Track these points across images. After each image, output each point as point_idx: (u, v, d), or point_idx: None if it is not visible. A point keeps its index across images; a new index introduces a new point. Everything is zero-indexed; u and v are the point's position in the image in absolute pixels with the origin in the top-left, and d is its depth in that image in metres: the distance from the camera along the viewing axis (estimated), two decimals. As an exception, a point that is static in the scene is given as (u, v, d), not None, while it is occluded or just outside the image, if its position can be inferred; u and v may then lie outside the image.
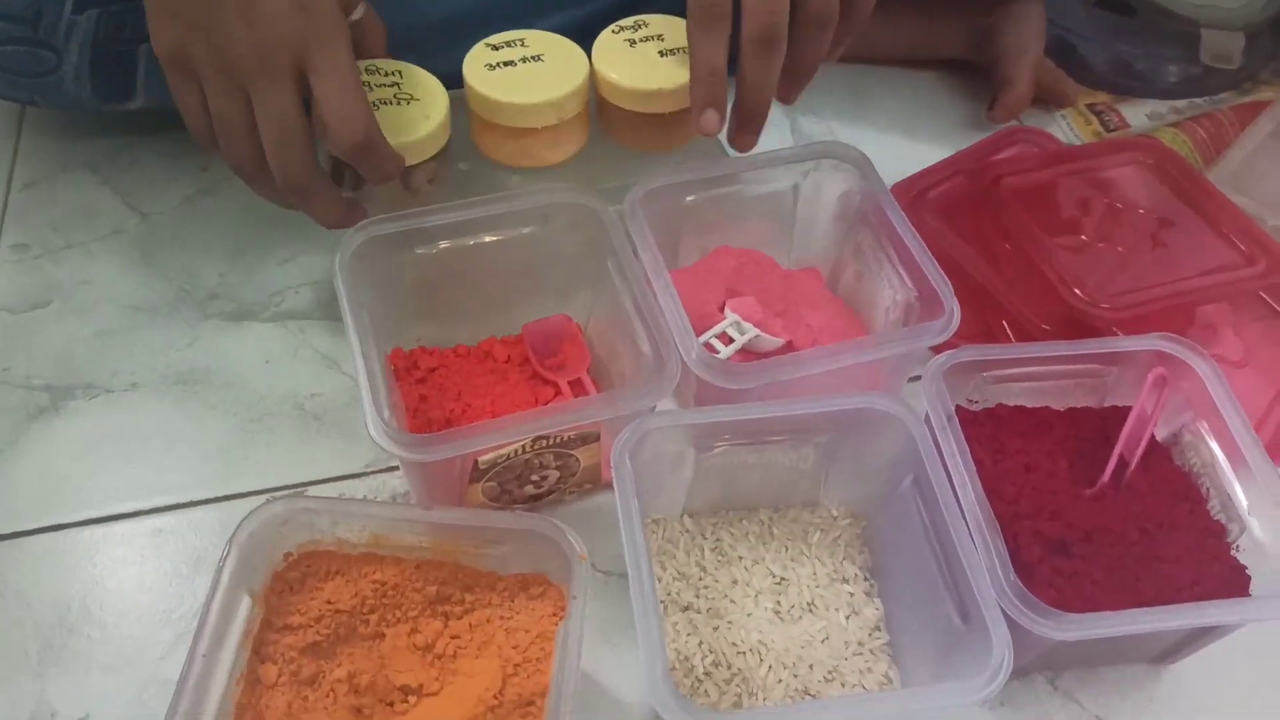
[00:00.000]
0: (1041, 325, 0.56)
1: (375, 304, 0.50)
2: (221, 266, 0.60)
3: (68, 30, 0.55)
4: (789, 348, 0.55)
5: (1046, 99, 0.73)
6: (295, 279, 0.60)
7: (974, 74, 0.74)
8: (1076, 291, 0.55)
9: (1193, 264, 0.57)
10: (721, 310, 0.56)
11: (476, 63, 0.57)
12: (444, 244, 0.52)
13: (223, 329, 0.57)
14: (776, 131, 0.71)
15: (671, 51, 0.58)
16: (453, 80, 0.58)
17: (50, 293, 0.58)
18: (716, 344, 0.51)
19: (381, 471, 0.52)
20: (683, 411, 0.45)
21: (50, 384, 0.54)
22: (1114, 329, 0.55)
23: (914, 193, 0.62)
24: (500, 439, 0.43)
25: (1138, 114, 0.75)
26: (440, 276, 0.53)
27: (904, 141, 0.72)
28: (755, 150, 0.56)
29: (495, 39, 0.58)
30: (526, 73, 0.57)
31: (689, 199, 0.55)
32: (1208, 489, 0.47)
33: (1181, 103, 0.76)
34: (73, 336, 0.57)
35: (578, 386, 0.54)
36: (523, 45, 0.58)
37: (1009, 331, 0.58)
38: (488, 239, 0.53)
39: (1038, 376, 0.49)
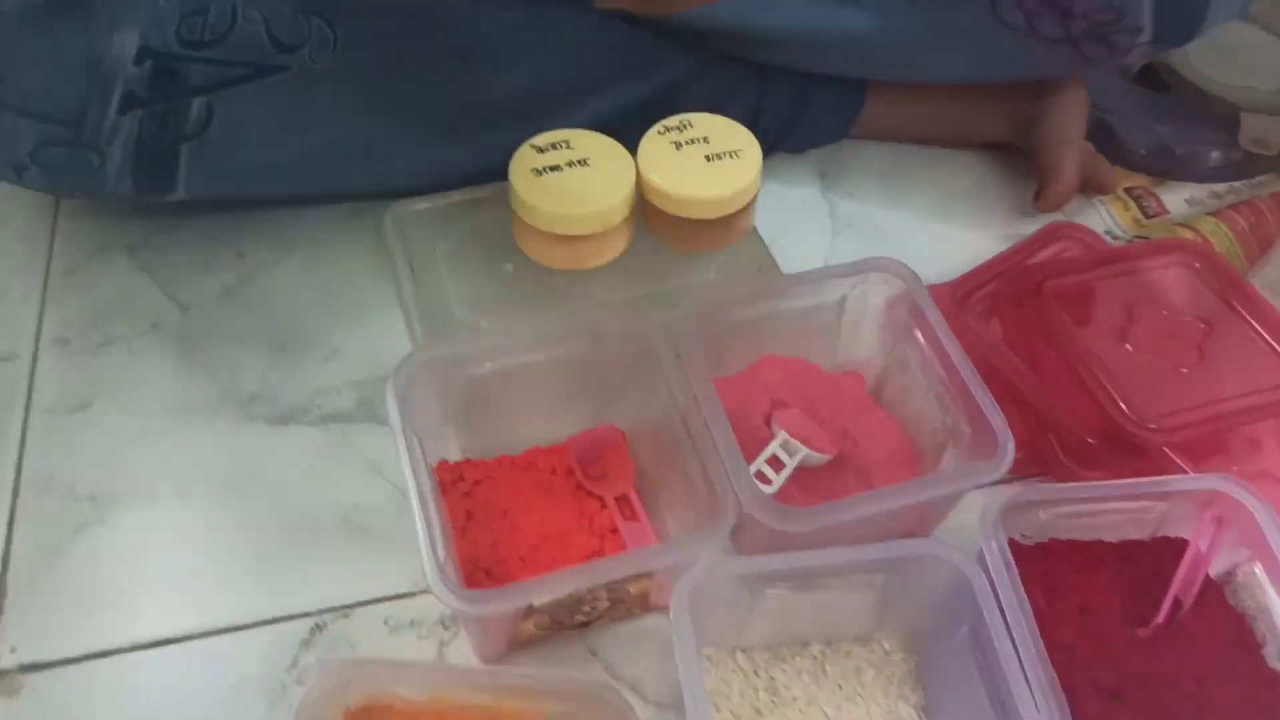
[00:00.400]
0: (1087, 439, 0.56)
1: (423, 422, 0.50)
2: (262, 364, 0.60)
3: (111, 131, 0.54)
4: (836, 461, 0.55)
5: (1087, 187, 0.72)
6: (337, 378, 0.59)
7: (1015, 154, 0.74)
8: (1124, 410, 0.54)
9: (1239, 379, 0.57)
10: (767, 423, 0.56)
11: (522, 167, 0.57)
12: (493, 365, 0.51)
13: (266, 433, 0.57)
14: (813, 217, 0.71)
15: (718, 156, 0.58)
16: (494, 169, 0.58)
17: (92, 392, 0.58)
18: (768, 470, 0.51)
19: (430, 592, 0.51)
20: (740, 560, 0.45)
21: (94, 493, 0.54)
22: (1163, 449, 0.55)
23: (959, 295, 0.62)
24: (557, 589, 0.43)
25: (1176, 199, 0.75)
26: (488, 393, 0.52)
27: (944, 226, 0.71)
28: (805, 267, 0.56)
29: (540, 140, 0.58)
30: (573, 179, 0.56)
31: (738, 315, 0.55)
32: (1263, 634, 0.47)
33: (1220, 186, 0.76)
34: (116, 440, 0.56)
35: (624, 503, 0.54)
36: (568, 148, 0.58)
37: (1055, 444, 0.58)
38: (538, 358, 0.52)
39: (1091, 512, 0.49)
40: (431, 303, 0.59)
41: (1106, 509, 0.49)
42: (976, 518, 0.49)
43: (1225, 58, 0.78)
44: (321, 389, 0.59)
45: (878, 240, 0.70)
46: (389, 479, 0.56)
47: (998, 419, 0.49)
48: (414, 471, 0.46)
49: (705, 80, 0.67)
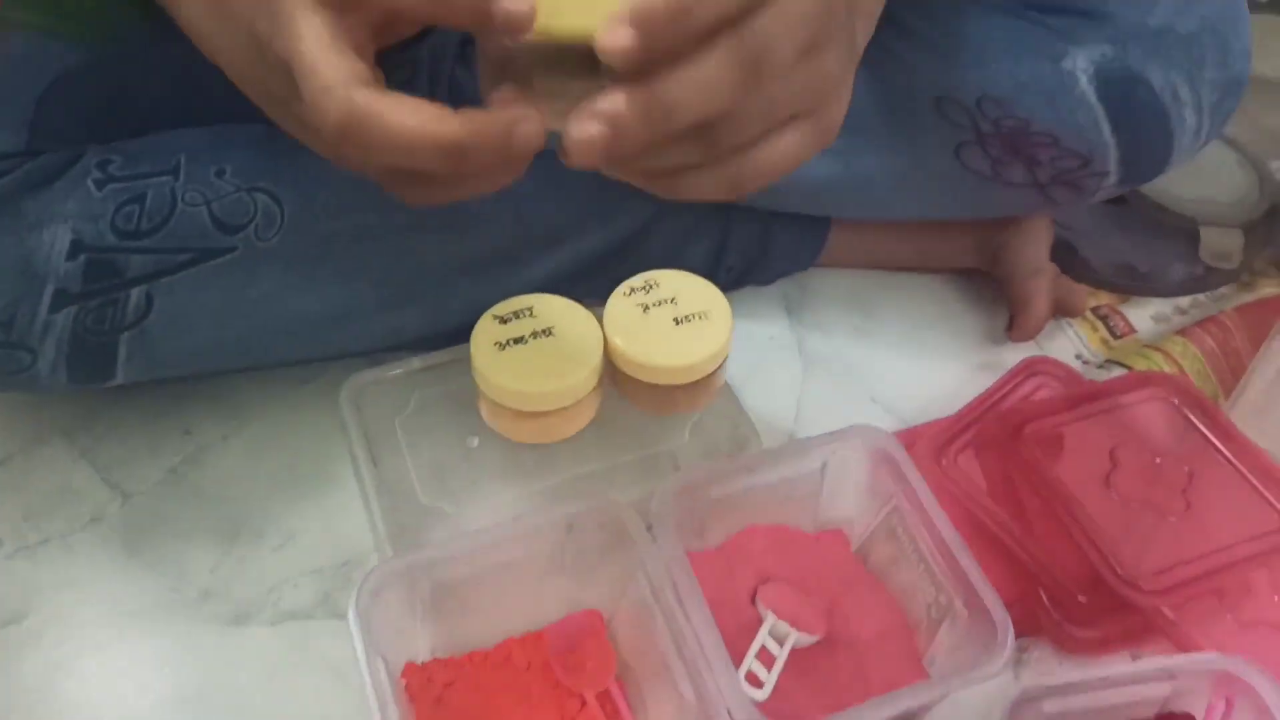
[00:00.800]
0: (1078, 596, 0.55)
1: (389, 624, 0.47)
2: (213, 556, 0.56)
3: (44, 329, 0.51)
4: (827, 638, 0.52)
5: (1056, 310, 0.71)
6: (293, 569, 0.56)
7: (983, 277, 0.73)
8: (1116, 571, 0.53)
9: (1227, 527, 0.56)
10: (752, 600, 0.53)
11: (484, 340, 0.54)
12: (464, 569, 0.49)
13: (220, 637, 0.53)
14: (783, 356, 0.69)
15: (687, 318, 0.56)
16: (456, 329, 0.56)
17: (29, 600, 0.54)
18: (758, 669, 0.49)
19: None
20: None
21: (33, 722, 0.50)
22: (1157, 608, 0.53)
23: (938, 444, 0.60)
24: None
25: (1142, 316, 0.75)
26: (458, 591, 0.50)
27: (915, 357, 0.70)
28: (778, 412, 0.54)
29: (502, 309, 0.55)
30: (538, 352, 0.54)
31: (715, 492, 0.53)
32: (1280, 823, 0.45)
33: (1184, 301, 0.76)
34: (57, 657, 0.52)
35: (605, 699, 0.51)
36: (531, 316, 0.55)
37: (1045, 599, 0.56)
38: (510, 555, 0.49)
39: (1098, 697, 0.47)
40: (391, 483, 0.56)
41: (1113, 693, 0.47)
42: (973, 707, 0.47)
43: (1181, 170, 0.78)
44: (277, 582, 0.55)
45: (849, 378, 0.68)
46: (353, 684, 0.52)
47: (994, 603, 0.47)
48: (381, 704, 0.43)
49: (668, 221, 0.66)
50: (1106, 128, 0.54)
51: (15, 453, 0.60)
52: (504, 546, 0.49)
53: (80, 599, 0.54)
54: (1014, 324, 0.69)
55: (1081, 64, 0.53)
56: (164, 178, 0.52)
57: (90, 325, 0.51)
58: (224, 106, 0.54)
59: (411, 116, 0.31)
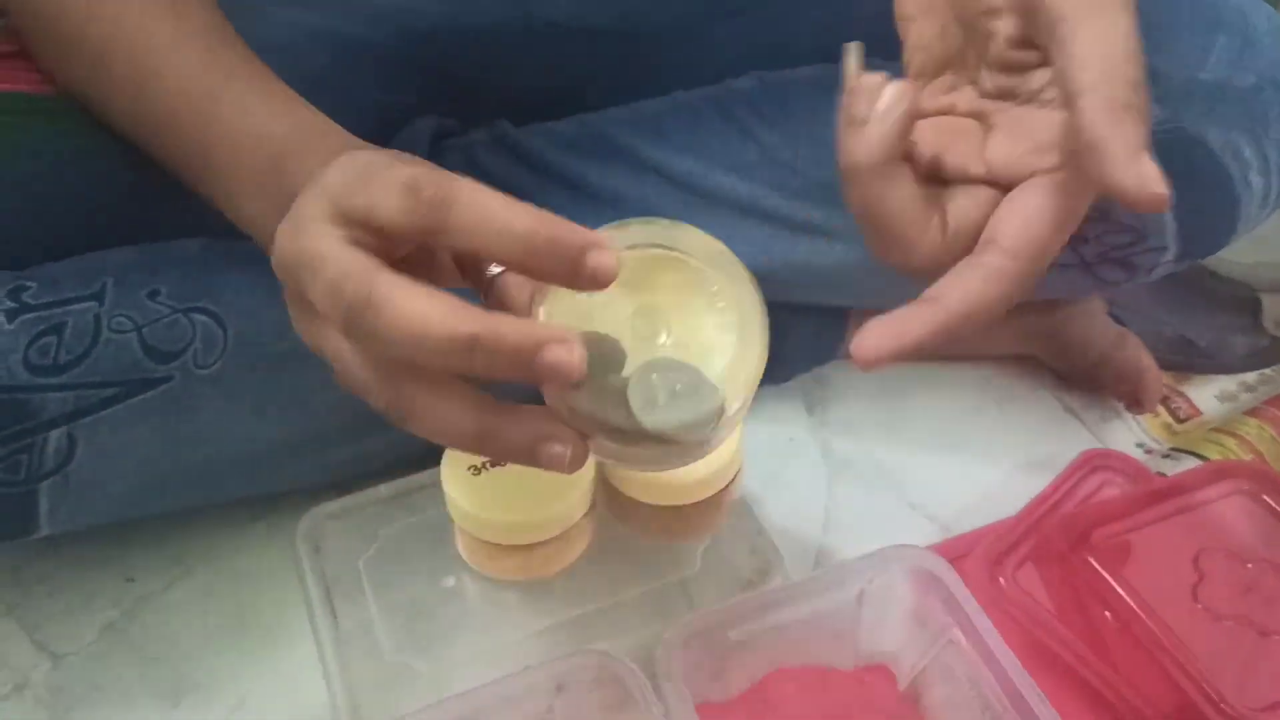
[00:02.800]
0: (1168, 732, 0.46)
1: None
2: (154, 727, 0.48)
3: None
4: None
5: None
6: (247, 736, 0.48)
7: (1021, 364, 0.66)
8: (1218, 703, 0.45)
9: (1346, 644, 0.47)
10: (785, 763, 0.45)
11: (457, 465, 0.47)
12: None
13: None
14: (805, 461, 0.61)
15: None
16: (422, 455, 0.49)
17: (-67, 793, 0.46)
18: None
19: None
20: None
21: None
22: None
23: (992, 558, 0.52)
24: None
25: (1205, 396, 0.67)
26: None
27: (953, 456, 0.62)
28: (803, 528, 0.47)
29: (477, 427, 0.48)
30: (519, 474, 0.46)
31: (734, 634, 0.45)
32: None
33: (1250, 376, 0.68)
34: None
35: None
36: (511, 432, 0.48)
37: (1132, 740, 0.47)
38: (492, 722, 0.41)
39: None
40: (353, 637, 0.48)
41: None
42: None
43: (1231, 234, 0.71)
44: (227, 758, 0.47)
45: (882, 482, 0.60)
46: None
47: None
48: None
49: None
50: None
51: (-66, 613, 0.53)
52: (483, 715, 0.41)
53: (-7, 793, 0.46)
54: (1137, 398, 0.63)
55: None
56: (87, 303, 0.46)
57: (3, 476, 0.45)
58: (154, 220, 0.49)
59: (425, 302, 0.29)
